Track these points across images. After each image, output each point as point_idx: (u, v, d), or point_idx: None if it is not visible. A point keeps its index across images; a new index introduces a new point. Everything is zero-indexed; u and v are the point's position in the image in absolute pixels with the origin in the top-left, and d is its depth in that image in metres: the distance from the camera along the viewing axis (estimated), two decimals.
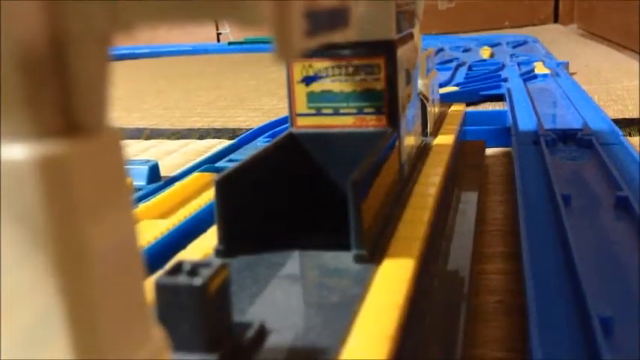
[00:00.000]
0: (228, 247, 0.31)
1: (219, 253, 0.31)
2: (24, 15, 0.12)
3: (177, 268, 0.22)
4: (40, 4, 0.12)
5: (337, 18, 0.17)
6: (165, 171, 0.70)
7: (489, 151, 0.75)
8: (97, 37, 0.13)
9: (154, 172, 0.66)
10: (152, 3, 0.13)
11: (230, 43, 2.79)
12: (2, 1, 0.12)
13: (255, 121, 1.08)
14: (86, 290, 0.13)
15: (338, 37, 0.17)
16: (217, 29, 3.27)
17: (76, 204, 0.13)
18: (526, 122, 0.79)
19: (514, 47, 1.78)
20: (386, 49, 0.38)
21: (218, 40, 3.23)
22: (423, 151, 0.49)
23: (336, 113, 0.39)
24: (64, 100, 0.13)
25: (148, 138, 1.04)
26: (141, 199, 0.56)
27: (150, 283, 0.20)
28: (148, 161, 0.67)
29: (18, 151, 0.12)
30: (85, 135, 0.13)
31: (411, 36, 0.46)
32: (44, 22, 0.12)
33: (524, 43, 1.88)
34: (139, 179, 0.64)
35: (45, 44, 0.12)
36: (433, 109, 0.59)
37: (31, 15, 0.12)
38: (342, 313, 0.25)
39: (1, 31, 0.12)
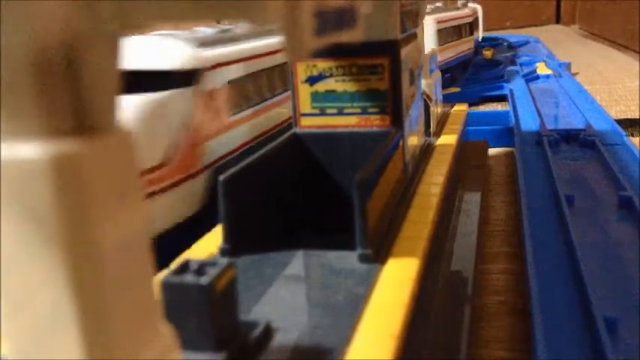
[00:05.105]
0: (233, 247, 0.31)
1: (224, 252, 0.31)
2: (37, 16, 0.12)
3: (184, 267, 0.22)
4: (53, 5, 0.12)
5: (345, 18, 0.17)
6: None
7: (492, 151, 0.75)
8: (108, 37, 0.13)
9: None
10: (162, 3, 0.13)
11: None
12: (16, 2, 0.12)
13: None
14: (96, 288, 0.14)
15: (346, 37, 0.17)
16: None
17: (88, 202, 0.13)
18: (528, 122, 0.80)
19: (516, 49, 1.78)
20: (390, 49, 0.38)
21: None
22: (426, 151, 0.49)
23: (340, 113, 0.39)
24: (75, 100, 0.13)
25: None
26: None
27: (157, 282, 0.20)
28: None
29: (30, 150, 0.13)
30: (96, 134, 0.13)
31: (414, 36, 0.46)
32: (56, 22, 0.12)
33: (526, 43, 1.87)
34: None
35: (57, 45, 0.12)
36: (436, 110, 0.59)
37: (43, 16, 0.12)
38: (347, 312, 0.25)
39: (15, 32, 0.12)
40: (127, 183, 0.14)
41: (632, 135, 0.83)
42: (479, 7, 1.44)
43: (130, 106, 0.42)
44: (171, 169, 0.44)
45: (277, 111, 0.66)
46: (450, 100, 0.76)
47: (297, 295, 0.28)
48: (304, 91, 0.39)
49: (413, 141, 0.44)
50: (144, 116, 0.43)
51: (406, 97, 0.40)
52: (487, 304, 0.41)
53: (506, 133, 0.79)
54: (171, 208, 0.44)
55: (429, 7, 1.03)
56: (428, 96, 0.55)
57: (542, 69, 1.23)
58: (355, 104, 0.39)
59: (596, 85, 1.22)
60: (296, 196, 0.38)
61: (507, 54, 1.54)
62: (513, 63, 1.37)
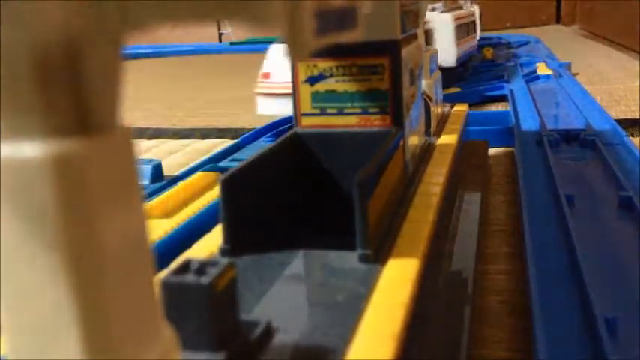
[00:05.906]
0: (233, 247, 0.31)
1: (224, 252, 0.31)
2: (39, 16, 0.12)
3: (185, 267, 0.22)
4: (55, 4, 0.12)
5: (346, 18, 0.17)
6: (168, 171, 0.70)
7: (492, 151, 0.75)
8: (110, 37, 0.13)
9: (157, 171, 0.66)
10: (164, 3, 0.13)
11: (232, 44, 2.80)
12: (19, 2, 0.12)
13: (259, 121, 1.08)
14: (97, 288, 0.14)
15: (347, 37, 0.17)
16: (219, 29, 3.27)
17: (89, 202, 0.13)
18: (529, 123, 0.79)
19: (516, 48, 1.78)
20: (390, 49, 0.38)
21: (220, 41, 3.23)
22: (426, 151, 0.49)
23: (341, 113, 0.39)
24: (77, 100, 0.13)
25: (150, 138, 1.04)
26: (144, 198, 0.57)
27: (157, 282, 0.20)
28: (152, 161, 0.67)
29: (31, 150, 0.13)
30: (97, 134, 0.13)
31: (415, 36, 0.46)
32: (59, 22, 0.12)
33: (527, 43, 1.87)
34: (142, 178, 0.64)
35: (58, 43, 0.12)
36: (436, 109, 0.59)
37: (44, 15, 0.12)
38: (347, 312, 0.25)
39: (16, 31, 0.12)
40: (128, 182, 0.14)
41: (632, 135, 0.83)
42: (476, 8, 1.49)
43: None
44: None
45: None
46: (450, 100, 0.76)
47: (298, 295, 0.28)
48: (305, 91, 0.39)
49: (413, 141, 0.44)
50: None
51: (407, 97, 0.40)
52: (487, 304, 0.41)
53: (507, 133, 0.79)
54: None
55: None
56: (428, 96, 0.55)
57: (542, 69, 1.23)
58: (355, 104, 0.39)
59: (596, 85, 1.22)
60: (296, 196, 0.38)
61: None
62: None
